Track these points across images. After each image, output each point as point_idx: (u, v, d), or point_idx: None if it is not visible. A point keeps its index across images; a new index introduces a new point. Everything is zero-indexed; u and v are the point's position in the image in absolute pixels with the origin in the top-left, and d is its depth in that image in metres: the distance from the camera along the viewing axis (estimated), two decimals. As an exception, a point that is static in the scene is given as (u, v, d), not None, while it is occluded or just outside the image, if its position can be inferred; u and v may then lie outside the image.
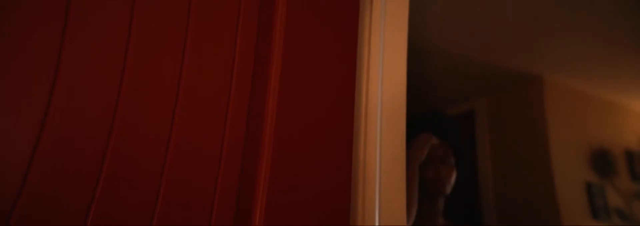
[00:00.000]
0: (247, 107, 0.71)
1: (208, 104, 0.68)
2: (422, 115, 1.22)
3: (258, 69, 0.74)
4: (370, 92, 0.85)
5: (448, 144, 1.23)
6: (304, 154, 0.73)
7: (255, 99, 0.73)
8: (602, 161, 2.43)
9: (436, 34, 1.97)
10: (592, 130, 2.47)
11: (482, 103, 2.59)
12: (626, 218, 2.37)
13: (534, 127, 2.34)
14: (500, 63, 2.24)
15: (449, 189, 1.34)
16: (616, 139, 2.57)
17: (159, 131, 0.63)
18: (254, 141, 0.71)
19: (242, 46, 0.73)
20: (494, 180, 2.38)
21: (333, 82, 0.80)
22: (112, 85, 0.61)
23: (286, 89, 0.74)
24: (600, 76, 2.39)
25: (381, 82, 0.87)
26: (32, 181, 0.52)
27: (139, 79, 0.63)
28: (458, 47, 2.03)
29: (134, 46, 0.63)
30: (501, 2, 1.70)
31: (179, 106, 0.65)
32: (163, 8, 0.68)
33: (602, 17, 1.85)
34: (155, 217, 0.59)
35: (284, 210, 0.68)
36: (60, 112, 0.56)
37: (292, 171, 0.71)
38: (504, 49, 2.12)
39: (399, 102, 0.87)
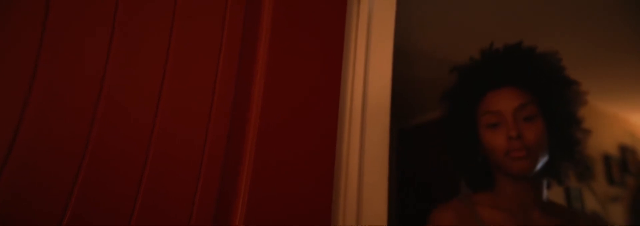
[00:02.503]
0: (231, 104, 0.71)
1: (192, 101, 0.68)
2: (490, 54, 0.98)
3: (243, 67, 0.74)
4: (355, 92, 0.86)
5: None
6: (287, 152, 0.73)
7: (239, 97, 0.72)
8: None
9: (423, 37, 1.99)
10: (571, 134, 2.51)
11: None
12: (602, 222, 2.43)
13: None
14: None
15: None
16: (594, 144, 2.63)
17: (142, 126, 0.62)
18: (237, 139, 0.70)
19: (227, 43, 0.73)
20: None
21: (318, 81, 0.80)
22: (94, 80, 0.60)
23: (271, 87, 0.74)
24: (581, 81, 2.43)
25: (366, 83, 0.87)
26: (7, 178, 0.51)
27: (121, 72, 0.62)
28: (444, 51, 2.05)
29: (118, 39, 0.63)
30: (488, 6, 1.72)
31: (162, 104, 0.65)
32: (148, 1, 0.67)
33: (583, 22, 1.90)
34: (135, 210, 0.58)
35: (265, 208, 0.68)
36: (39, 108, 0.55)
37: (274, 169, 0.71)
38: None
39: (383, 103, 0.88)
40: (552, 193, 2.30)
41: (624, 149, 2.78)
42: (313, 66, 0.80)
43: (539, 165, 0.82)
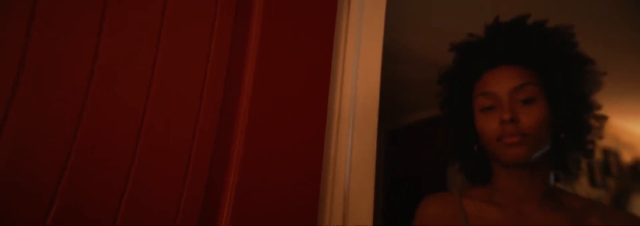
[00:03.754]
0: (220, 103, 0.71)
1: (180, 102, 0.67)
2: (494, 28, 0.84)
3: (232, 66, 0.74)
4: (343, 93, 0.86)
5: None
6: (274, 152, 0.73)
7: (228, 96, 0.72)
8: (564, 167, 2.52)
9: (411, 38, 2.00)
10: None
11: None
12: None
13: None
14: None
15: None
16: (578, 147, 2.67)
17: (130, 120, 0.61)
18: (225, 138, 0.70)
19: (217, 41, 0.73)
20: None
21: (307, 81, 0.80)
22: (83, 71, 0.59)
23: (259, 86, 0.74)
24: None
25: (355, 83, 0.88)
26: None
27: (111, 65, 0.61)
28: (433, 52, 2.07)
29: (107, 32, 0.62)
30: (479, 8, 1.74)
31: (149, 104, 0.64)
32: None
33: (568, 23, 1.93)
34: (121, 209, 0.58)
35: (252, 208, 0.68)
36: (27, 100, 0.54)
37: (261, 168, 0.71)
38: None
39: (372, 104, 0.89)
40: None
41: (607, 153, 2.83)
42: (303, 65, 0.80)
43: (537, 154, 0.72)
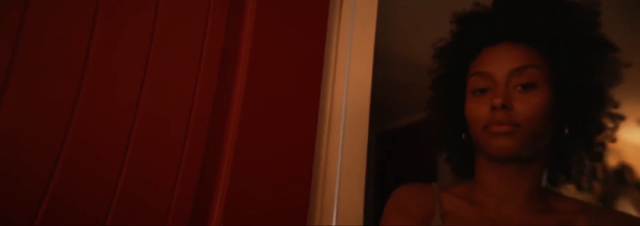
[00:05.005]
0: (211, 104, 0.71)
1: (171, 105, 0.67)
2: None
3: (225, 66, 0.74)
4: (335, 95, 0.87)
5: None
6: (266, 152, 0.73)
7: (221, 96, 0.72)
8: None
9: (402, 42, 2.02)
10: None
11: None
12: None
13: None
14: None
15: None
16: (565, 151, 2.71)
17: (122, 119, 0.61)
18: (216, 139, 0.70)
19: (210, 43, 0.73)
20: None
21: (299, 84, 0.81)
22: (74, 69, 0.59)
23: (251, 88, 0.74)
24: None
25: (346, 85, 0.88)
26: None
27: (103, 62, 0.61)
28: (423, 56, 2.08)
29: (99, 29, 0.62)
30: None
31: (140, 106, 0.64)
32: None
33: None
34: (111, 209, 0.58)
35: (242, 208, 0.68)
36: (18, 98, 0.54)
37: (252, 169, 0.71)
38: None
39: (363, 106, 0.89)
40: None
41: (593, 157, 2.88)
42: (295, 67, 0.81)
43: (530, 148, 0.61)
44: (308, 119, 0.80)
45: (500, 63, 0.63)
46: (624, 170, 3.03)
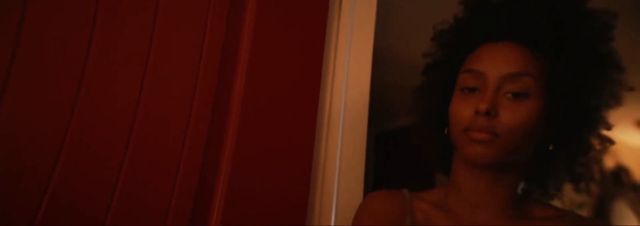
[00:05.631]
0: (211, 104, 0.71)
1: (171, 105, 0.67)
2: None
3: (225, 67, 0.74)
4: (334, 96, 0.87)
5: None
6: (265, 153, 0.73)
7: (220, 97, 0.73)
8: (549, 172, 2.56)
9: (400, 43, 2.02)
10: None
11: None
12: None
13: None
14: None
15: None
16: (563, 152, 2.72)
17: (122, 119, 0.62)
18: (216, 139, 0.70)
19: (209, 44, 0.73)
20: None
21: (298, 83, 0.81)
22: (74, 70, 0.59)
23: (251, 88, 0.74)
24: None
25: (345, 86, 0.89)
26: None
27: (103, 63, 0.61)
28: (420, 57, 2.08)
29: (100, 29, 0.62)
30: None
31: (140, 107, 0.64)
32: None
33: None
34: (111, 209, 0.58)
35: (242, 209, 0.68)
36: (18, 97, 0.54)
37: (252, 169, 0.71)
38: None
39: (362, 107, 0.90)
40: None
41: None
42: (294, 68, 0.81)
43: (508, 159, 0.57)
44: (307, 120, 0.80)
45: (496, 64, 0.59)
46: (621, 172, 3.04)
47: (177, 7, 0.70)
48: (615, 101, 0.62)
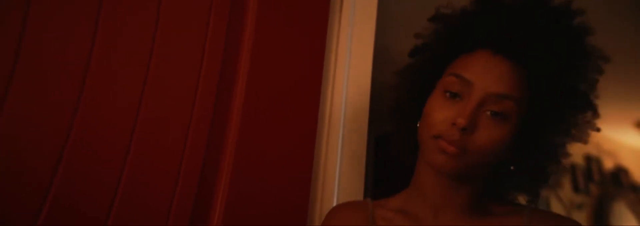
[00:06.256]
0: (212, 105, 0.71)
1: (173, 105, 0.68)
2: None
3: (226, 67, 0.75)
4: (335, 96, 0.87)
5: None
6: (266, 153, 0.74)
7: (221, 98, 0.73)
8: (548, 172, 2.56)
9: (400, 43, 2.03)
10: (541, 143, 2.60)
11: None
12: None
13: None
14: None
15: None
16: (561, 153, 2.72)
17: (124, 120, 0.62)
18: (217, 140, 0.71)
19: (211, 42, 0.73)
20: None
21: (299, 84, 0.81)
22: (77, 70, 0.59)
23: (252, 89, 0.75)
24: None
25: (346, 87, 0.89)
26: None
27: (105, 63, 0.61)
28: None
29: (102, 29, 0.62)
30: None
31: (142, 107, 0.64)
32: None
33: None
34: (113, 209, 0.58)
35: (243, 209, 0.68)
36: (20, 97, 0.54)
37: (253, 169, 0.71)
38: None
39: (362, 108, 0.90)
40: (521, 199, 2.37)
41: (589, 159, 2.88)
42: (295, 69, 0.81)
43: (471, 171, 0.58)
44: (308, 120, 0.80)
45: (487, 79, 0.58)
46: (620, 172, 3.05)
47: (179, 7, 0.70)
48: (584, 138, 0.64)
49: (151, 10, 0.67)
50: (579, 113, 0.62)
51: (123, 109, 0.62)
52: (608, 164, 3.04)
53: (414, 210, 0.63)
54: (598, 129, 0.64)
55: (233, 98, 0.73)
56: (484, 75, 0.58)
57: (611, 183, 3.01)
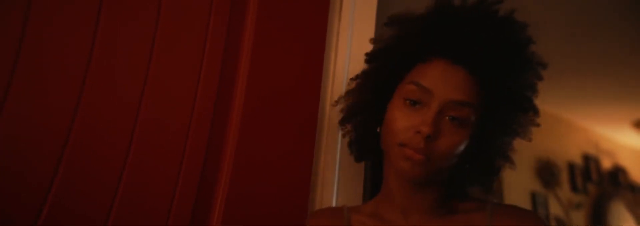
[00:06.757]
0: (213, 105, 0.71)
1: (175, 103, 0.68)
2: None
3: (227, 66, 0.75)
4: (334, 97, 0.87)
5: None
6: (266, 154, 0.74)
7: (222, 97, 0.73)
8: (547, 172, 2.57)
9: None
10: (539, 142, 2.61)
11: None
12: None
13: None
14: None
15: None
16: (561, 152, 2.73)
17: (124, 119, 0.62)
18: (217, 140, 0.71)
19: (211, 43, 0.73)
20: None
21: (299, 84, 0.81)
22: (78, 69, 0.59)
23: (252, 89, 0.75)
24: (550, 93, 2.53)
25: (346, 88, 0.89)
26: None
27: (106, 62, 0.61)
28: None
29: (103, 27, 0.62)
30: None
31: (142, 106, 0.64)
32: None
33: (555, 40, 1.97)
34: (113, 209, 0.58)
35: (243, 209, 0.69)
36: (21, 96, 0.54)
37: (253, 170, 0.71)
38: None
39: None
40: (520, 199, 2.37)
41: (587, 159, 2.89)
42: (295, 69, 0.82)
43: (435, 175, 0.63)
44: (308, 120, 0.80)
45: (446, 87, 0.62)
46: (618, 172, 3.06)
47: (179, 8, 0.70)
48: (528, 135, 0.70)
49: (151, 10, 0.67)
50: (524, 114, 0.68)
51: (123, 109, 0.62)
52: (606, 164, 3.05)
53: (386, 213, 0.67)
54: (538, 125, 0.69)
55: (233, 98, 0.73)
56: (442, 83, 0.62)
57: (609, 183, 3.02)
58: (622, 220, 2.92)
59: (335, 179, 0.81)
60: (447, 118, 0.61)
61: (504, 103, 0.65)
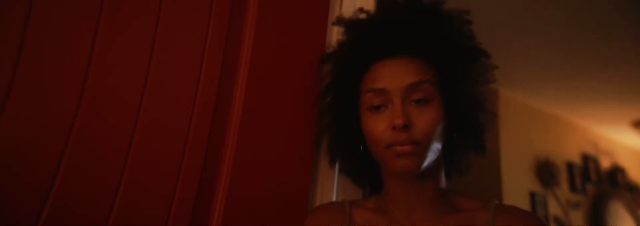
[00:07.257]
0: (213, 106, 0.71)
1: (175, 103, 0.68)
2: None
3: (227, 66, 0.75)
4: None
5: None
6: (266, 153, 0.74)
7: (222, 98, 0.73)
8: (546, 172, 2.58)
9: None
10: (538, 142, 2.61)
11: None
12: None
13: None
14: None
15: None
16: (559, 152, 2.73)
17: (125, 120, 0.62)
18: (217, 140, 0.71)
19: (211, 43, 0.73)
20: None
21: (299, 84, 0.81)
22: (78, 70, 0.59)
23: (253, 89, 0.75)
24: (549, 93, 2.54)
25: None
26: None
27: (106, 62, 0.61)
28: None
29: (103, 28, 0.62)
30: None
31: (145, 100, 0.64)
32: None
33: (554, 40, 1.97)
34: (114, 209, 0.58)
35: (242, 209, 0.69)
36: (22, 97, 0.54)
37: (253, 169, 0.71)
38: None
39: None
40: (519, 199, 2.37)
41: (586, 158, 2.90)
42: (294, 69, 0.81)
43: (430, 160, 0.64)
44: (308, 120, 0.80)
45: (395, 78, 0.65)
46: (616, 172, 3.07)
47: (179, 8, 0.70)
48: (489, 81, 0.73)
49: (152, 11, 0.67)
50: (475, 60, 0.71)
51: (123, 109, 0.62)
52: (605, 163, 3.06)
53: (389, 208, 0.68)
54: (496, 67, 0.73)
55: (233, 98, 0.73)
56: (392, 77, 0.66)
57: (608, 183, 3.03)
58: (620, 220, 2.93)
59: (335, 179, 0.81)
60: (412, 103, 0.64)
61: (453, 56, 0.69)
